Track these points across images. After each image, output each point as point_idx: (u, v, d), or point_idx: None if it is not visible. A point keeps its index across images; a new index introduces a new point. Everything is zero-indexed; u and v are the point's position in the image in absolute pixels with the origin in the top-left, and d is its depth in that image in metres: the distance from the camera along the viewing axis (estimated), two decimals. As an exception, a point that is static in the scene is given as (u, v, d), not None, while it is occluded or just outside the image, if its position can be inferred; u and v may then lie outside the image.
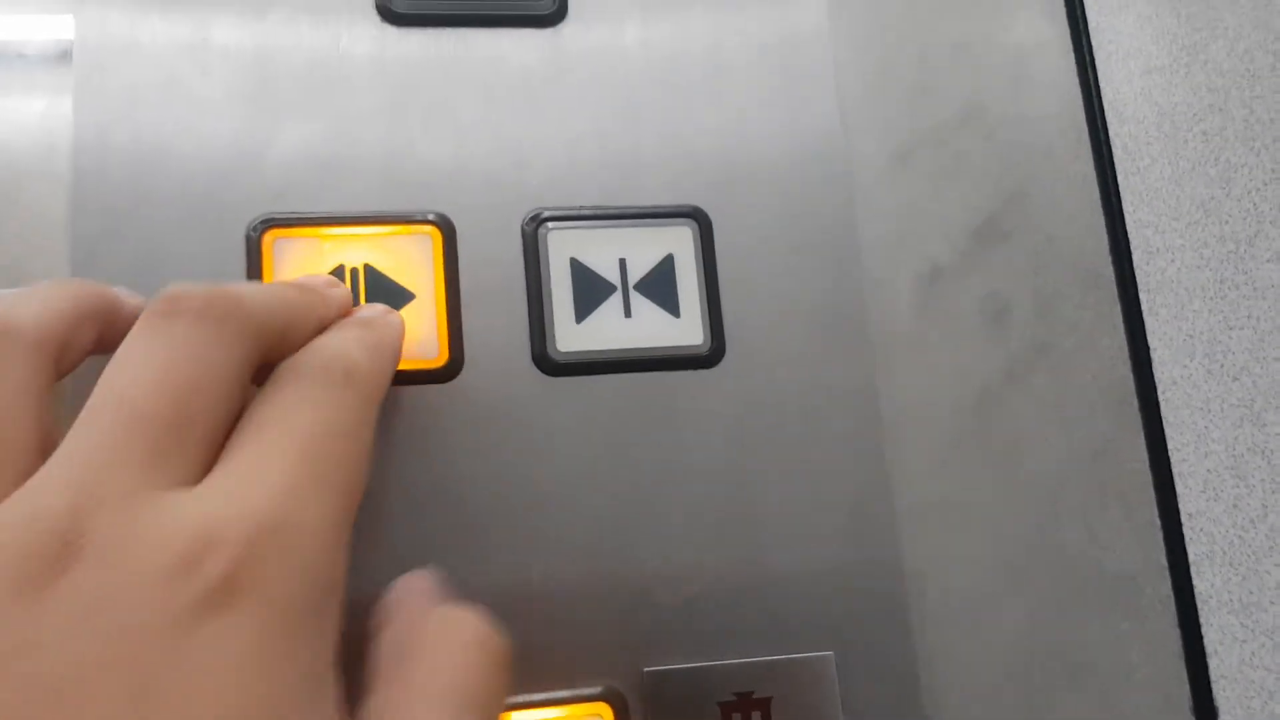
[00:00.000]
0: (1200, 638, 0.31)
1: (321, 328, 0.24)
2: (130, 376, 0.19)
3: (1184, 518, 0.32)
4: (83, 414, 0.19)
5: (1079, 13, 0.36)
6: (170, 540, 0.17)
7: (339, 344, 0.23)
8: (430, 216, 0.31)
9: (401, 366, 0.29)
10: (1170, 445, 0.33)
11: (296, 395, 0.21)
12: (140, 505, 0.18)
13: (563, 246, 0.31)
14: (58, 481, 0.18)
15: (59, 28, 0.31)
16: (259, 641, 0.17)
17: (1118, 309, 0.34)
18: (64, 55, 0.31)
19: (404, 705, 0.19)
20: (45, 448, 0.19)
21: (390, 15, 0.33)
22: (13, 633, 0.16)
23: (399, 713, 0.19)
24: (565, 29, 0.34)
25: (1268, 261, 0.29)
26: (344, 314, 0.27)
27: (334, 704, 0.18)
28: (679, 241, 0.32)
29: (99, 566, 0.17)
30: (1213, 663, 0.31)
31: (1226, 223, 0.30)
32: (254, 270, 0.30)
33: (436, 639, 0.21)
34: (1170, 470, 0.32)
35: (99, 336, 0.23)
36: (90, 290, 0.24)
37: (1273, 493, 0.29)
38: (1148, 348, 0.34)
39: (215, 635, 0.16)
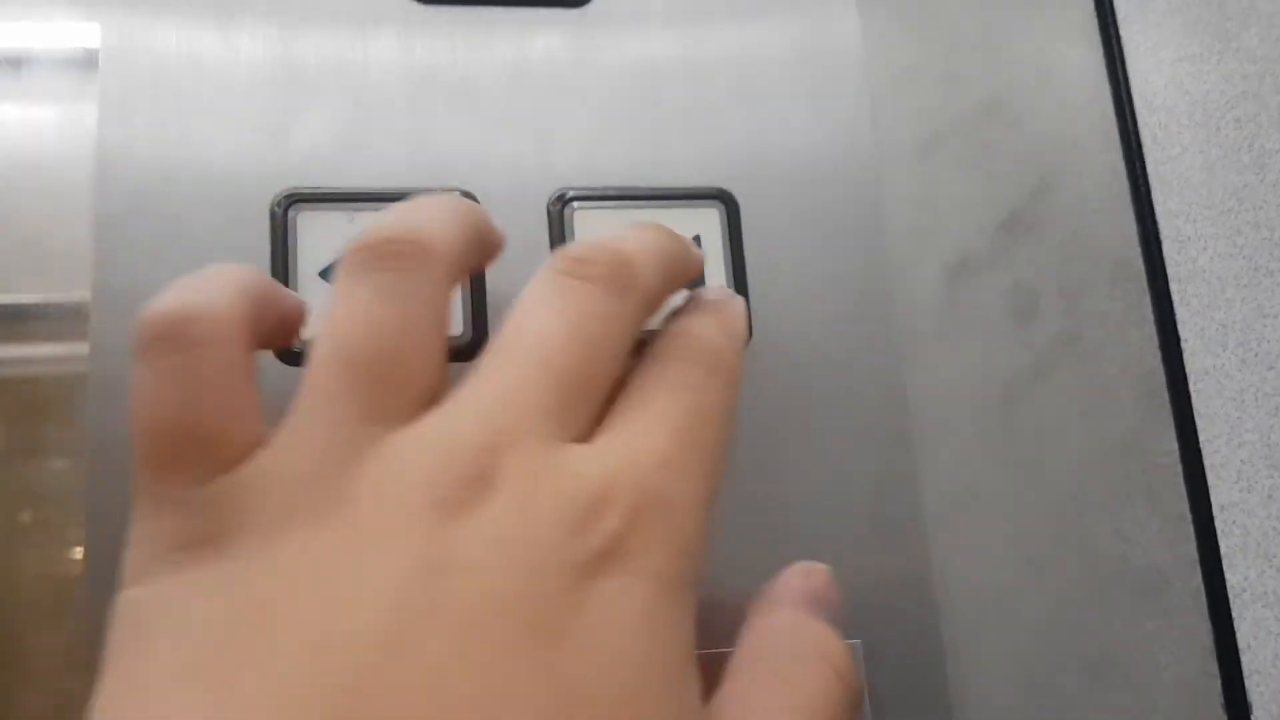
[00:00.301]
0: (1233, 632, 0.31)
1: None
2: (542, 328, 0.20)
3: (1216, 510, 0.31)
4: (492, 353, 0.20)
5: (1107, 3, 0.36)
6: (576, 492, 0.18)
7: (709, 330, 0.23)
8: (455, 196, 0.31)
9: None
10: (1202, 436, 0.32)
11: (679, 377, 0.21)
12: (549, 452, 0.18)
13: (588, 226, 0.31)
14: (474, 414, 0.18)
15: (86, 33, 0.31)
16: (647, 605, 0.17)
17: (1147, 300, 0.34)
18: (93, 61, 0.31)
19: (751, 713, 0.19)
20: (435, 372, 0.20)
21: (418, -6, 0.32)
22: (433, 549, 0.16)
23: (745, 713, 0.19)
24: (592, 10, 0.33)
25: (1303, 248, 0.29)
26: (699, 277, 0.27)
27: (698, 685, 0.18)
28: (706, 224, 0.32)
29: (513, 503, 0.17)
30: (1245, 658, 0.30)
31: (1261, 209, 0.30)
32: (278, 245, 0.29)
33: (802, 655, 0.21)
34: (1201, 462, 0.32)
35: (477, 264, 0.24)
36: (473, 217, 0.24)
37: (1308, 484, 0.29)
38: (1178, 338, 0.33)
39: (611, 592, 0.17)
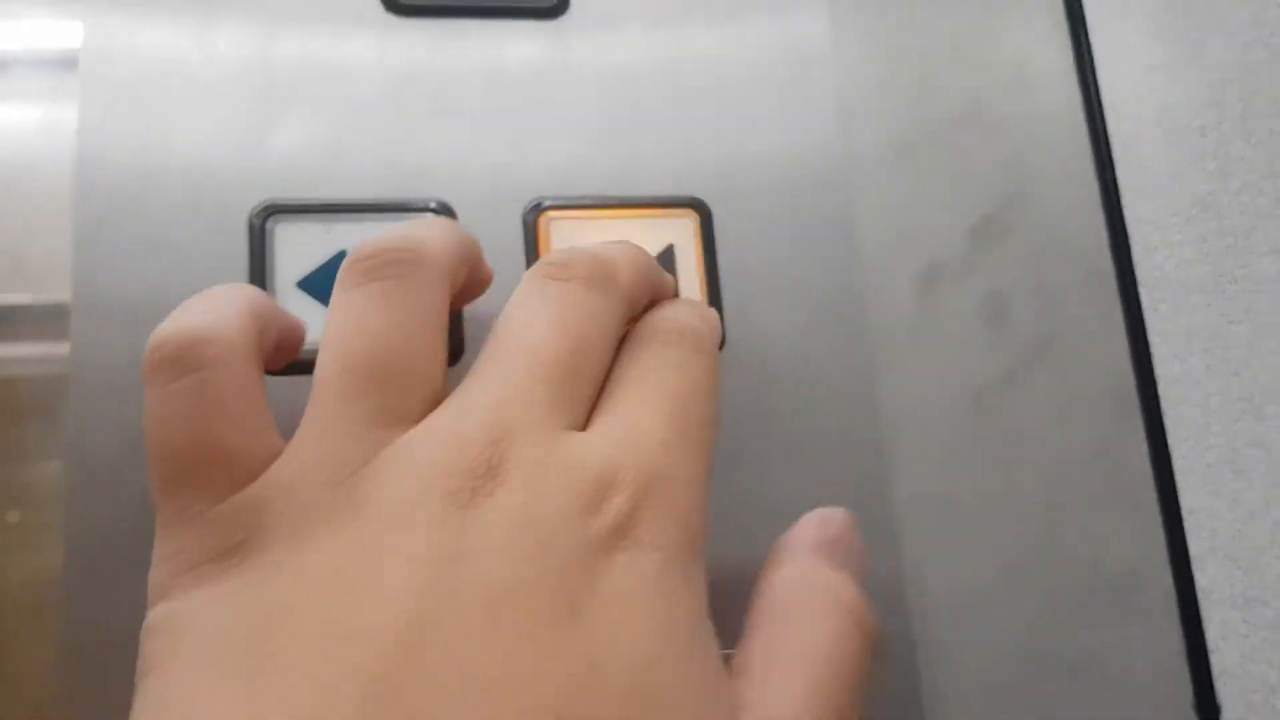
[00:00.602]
0: (1202, 634, 0.31)
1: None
2: (532, 326, 0.21)
3: (1185, 513, 0.32)
4: (486, 355, 0.21)
5: (1078, 11, 0.37)
6: (580, 476, 0.18)
7: (687, 316, 0.24)
8: (432, 204, 0.31)
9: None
10: (1170, 441, 0.32)
11: (663, 358, 0.22)
12: (550, 440, 0.19)
13: (563, 235, 0.31)
14: (477, 410, 0.19)
15: (67, 33, 0.31)
16: (659, 579, 0.18)
17: (1118, 305, 0.34)
18: (74, 61, 0.31)
19: (771, 667, 0.20)
20: (438, 373, 0.21)
21: (393, 5, 0.33)
22: (449, 540, 0.17)
23: (766, 675, 0.19)
24: (567, 21, 0.34)
25: (1265, 255, 0.29)
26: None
27: (716, 646, 0.19)
28: (680, 232, 0.32)
29: (522, 491, 0.18)
30: (1214, 659, 0.31)
31: (1225, 217, 0.30)
32: (257, 256, 0.30)
33: (819, 606, 0.21)
34: (1171, 466, 0.32)
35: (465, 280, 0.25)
36: (467, 237, 0.25)
37: (1273, 486, 0.29)
38: (1148, 344, 0.34)
39: (623, 568, 0.18)
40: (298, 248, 0.30)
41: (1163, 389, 0.33)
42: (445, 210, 0.31)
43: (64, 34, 0.31)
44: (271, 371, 0.27)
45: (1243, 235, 0.30)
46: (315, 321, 0.29)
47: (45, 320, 0.29)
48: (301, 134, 0.31)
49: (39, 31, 0.31)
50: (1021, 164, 0.35)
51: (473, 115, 0.32)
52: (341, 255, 0.30)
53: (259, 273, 0.29)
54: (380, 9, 0.33)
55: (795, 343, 0.32)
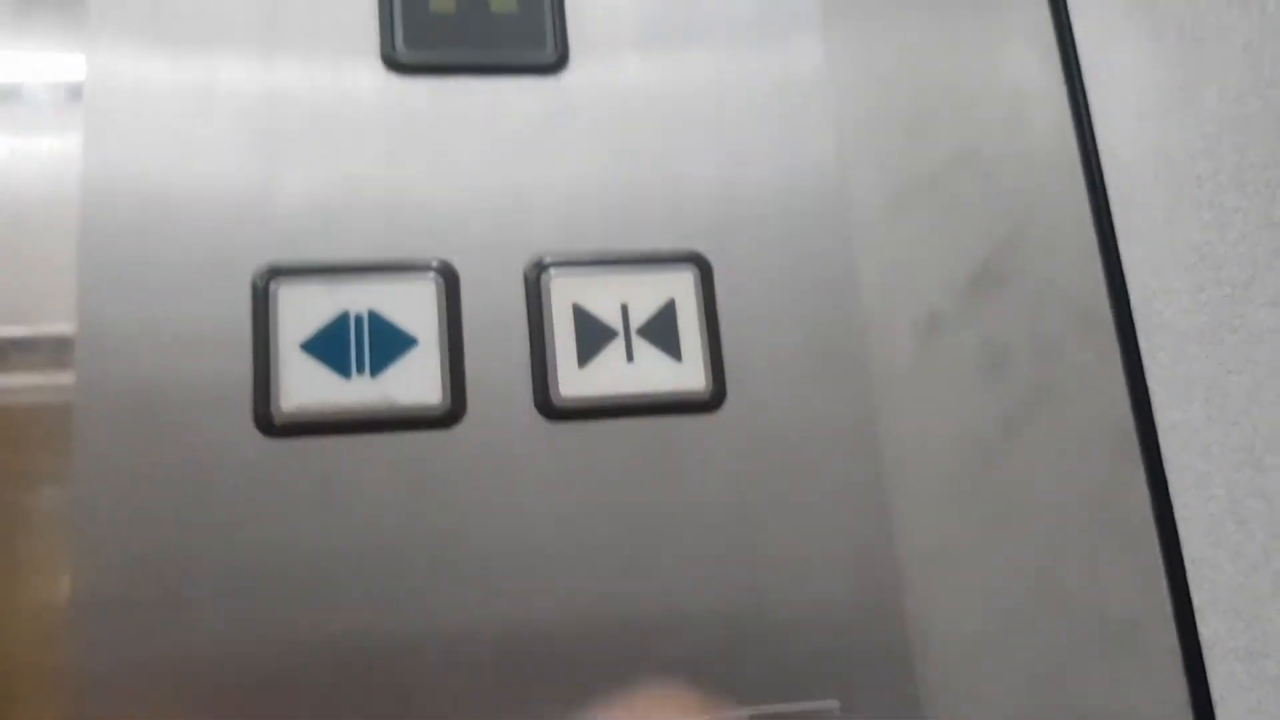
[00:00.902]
0: (1206, 686, 0.31)
1: None
2: None
3: (1188, 563, 0.32)
4: None
5: (1072, 57, 0.37)
6: None
7: None
8: (434, 263, 0.31)
9: (404, 413, 0.30)
10: (1171, 489, 0.33)
11: None
12: None
13: (565, 292, 0.32)
14: None
15: (71, 67, 0.32)
16: None
17: (1117, 352, 0.34)
18: (75, 93, 0.32)
19: None
20: None
21: (394, 64, 0.33)
22: None
23: None
24: (567, 76, 0.34)
25: (1264, 306, 0.29)
26: None
27: None
28: (680, 286, 0.32)
29: None
30: (1219, 711, 0.31)
31: (1222, 267, 0.30)
32: (260, 320, 0.30)
33: None
34: (1173, 515, 0.32)
35: None
36: None
37: (1274, 538, 0.29)
38: (1147, 391, 0.34)
39: None
40: (301, 309, 0.30)
41: (1163, 437, 0.33)
42: (446, 269, 0.31)
43: (68, 66, 0.32)
44: (258, 426, 0.28)
45: (1240, 286, 0.30)
46: (319, 384, 0.29)
47: (50, 351, 0.30)
48: (303, 192, 0.32)
49: (43, 64, 0.32)
50: (1019, 209, 0.36)
51: (473, 171, 0.33)
52: (344, 317, 0.30)
53: (262, 336, 0.30)
54: (381, 67, 0.33)
55: (797, 395, 0.32)
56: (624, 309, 0.32)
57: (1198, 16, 0.32)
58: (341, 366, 0.30)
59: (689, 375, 0.32)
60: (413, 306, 0.31)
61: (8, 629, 0.28)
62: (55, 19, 0.32)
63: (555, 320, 0.31)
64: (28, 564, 0.28)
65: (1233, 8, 0.30)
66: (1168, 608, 0.32)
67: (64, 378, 0.29)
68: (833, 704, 0.30)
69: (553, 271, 0.32)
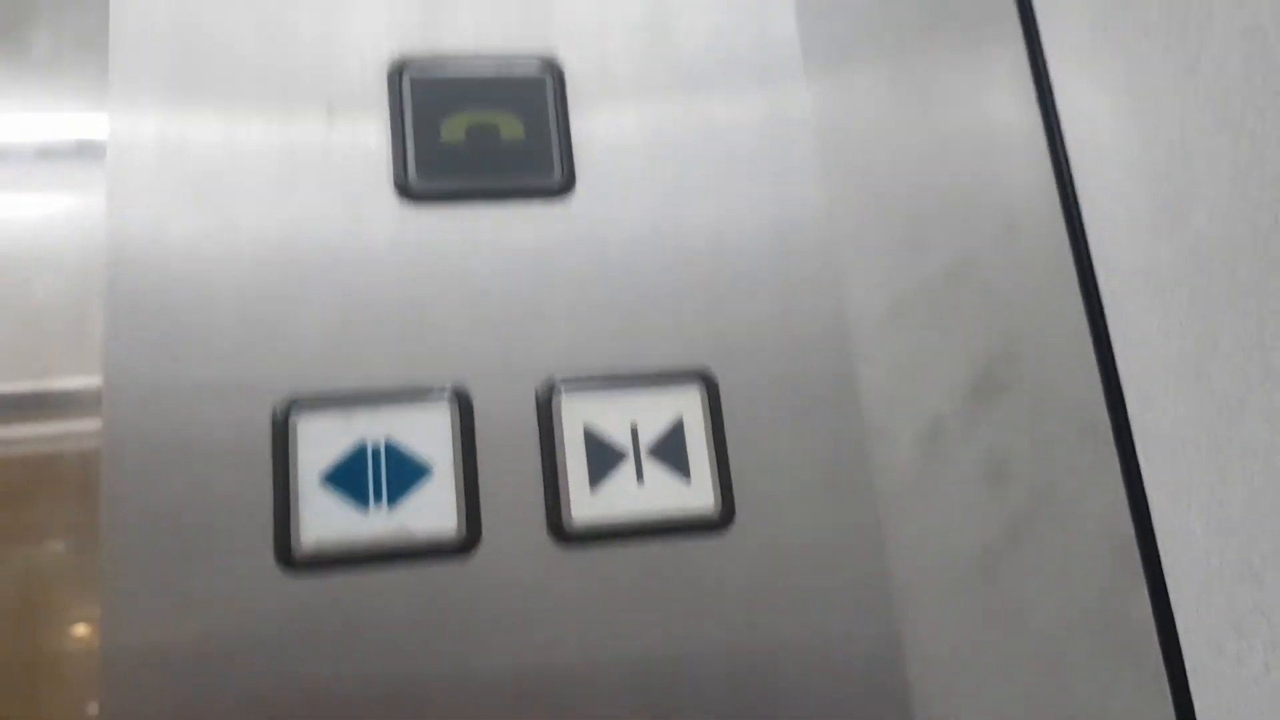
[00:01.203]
0: (1212, 795, 0.31)
1: None
2: None
3: (1190, 673, 0.32)
4: None
5: (1065, 170, 0.38)
6: None
7: None
8: (447, 388, 0.32)
9: (421, 545, 0.30)
10: (1173, 599, 0.33)
11: None
12: None
13: (576, 414, 0.33)
14: None
15: (93, 125, 0.33)
16: None
17: (1115, 460, 0.35)
18: (102, 151, 0.33)
19: None
20: None
21: (407, 192, 0.34)
22: None
23: None
24: (574, 200, 0.35)
25: (1259, 422, 0.30)
26: None
27: None
28: (688, 403, 0.33)
29: None
30: (1224, 820, 0.31)
31: (1215, 381, 0.31)
32: (279, 453, 0.31)
33: None
34: (1175, 625, 0.33)
35: None
36: None
37: (1273, 651, 0.30)
38: (1145, 499, 0.34)
39: None
40: (319, 441, 0.31)
41: (1162, 544, 0.34)
42: (460, 394, 0.32)
43: (90, 126, 0.33)
44: (278, 559, 0.28)
45: (1235, 400, 0.31)
46: (338, 517, 0.30)
47: (78, 404, 0.31)
48: (319, 320, 0.32)
49: (66, 124, 0.33)
50: (1016, 319, 0.36)
51: (484, 297, 0.34)
52: (361, 448, 0.31)
53: (282, 469, 0.30)
54: (394, 196, 0.34)
55: (804, 510, 0.33)
56: (634, 429, 0.33)
57: (1187, 138, 0.33)
58: (360, 498, 0.30)
59: (698, 495, 0.32)
60: (428, 433, 0.32)
61: (38, 677, 0.28)
62: (77, 78, 0.33)
63: (567, 443, 0.32)
64: (56, 611, 0.29)
65: (1221, 132, 0.32)
66: (1172, 715, 0.32)
67: (92, 429, 0.30)
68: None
69: (564, 393, 0.33)
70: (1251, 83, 0.30)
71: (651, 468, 0.32)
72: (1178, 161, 0.33)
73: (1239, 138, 0.31)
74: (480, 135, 0.35)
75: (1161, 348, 0.34)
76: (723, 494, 0.32)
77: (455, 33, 0.35)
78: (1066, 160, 0.38)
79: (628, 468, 0.32)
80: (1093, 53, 0.38)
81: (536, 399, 0.33)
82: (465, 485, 0.31)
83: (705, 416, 0.33)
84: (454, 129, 0.34)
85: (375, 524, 0.30)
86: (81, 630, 0.29)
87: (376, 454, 0.31)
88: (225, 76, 0.33)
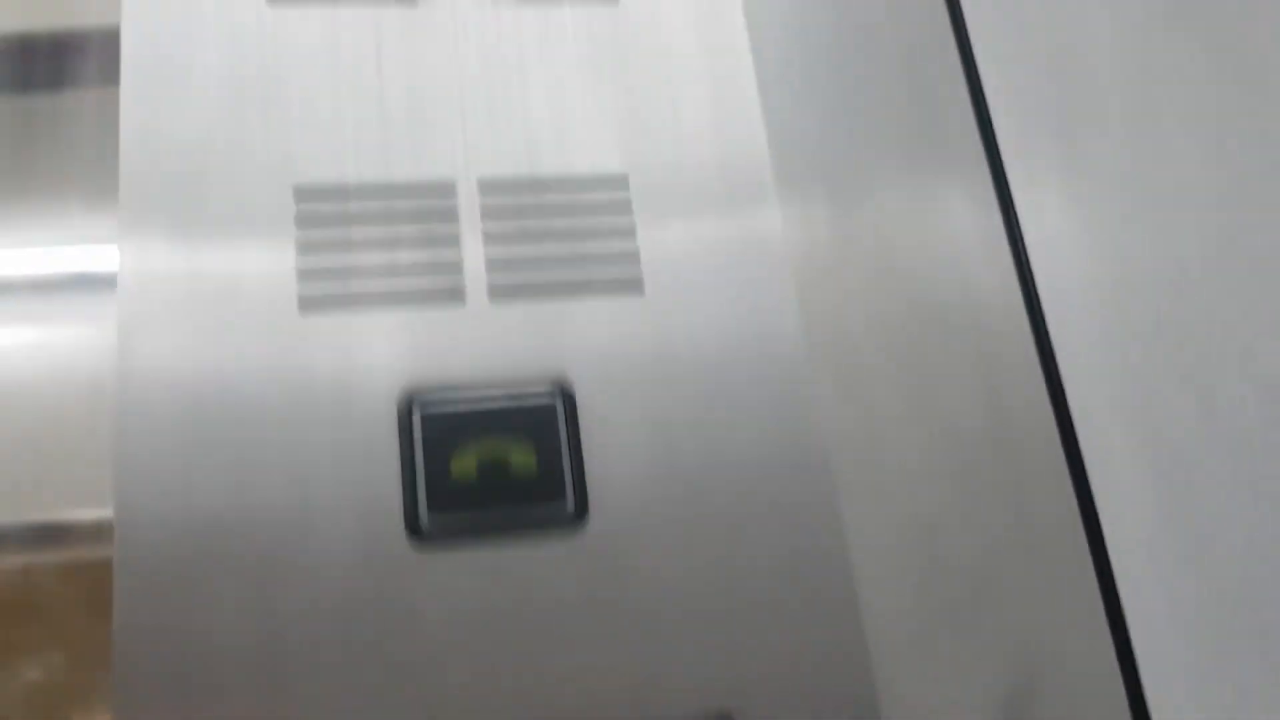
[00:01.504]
0: None
1: None
2: None
3: None
4: None
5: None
6: None
7: None
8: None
9: None
10: None
11: None
12: None
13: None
14: None
15: (104, 257, 0.33)
16: None
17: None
18: (112, 283, 0.32)
19: None
20: None
21: (417, 531, 0.33)
22: None
23: None
24: (588, 530, 0.34)
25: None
26: None
27: None
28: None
29: None
30: None
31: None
32: None
33: None
34: None
35: None
36: None
37: None
38: None
39: None
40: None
41: None
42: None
43: (101, 257, 0.33)
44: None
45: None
46: None
47: (91, 534, 0.31)
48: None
49: (77, 256, 0.33)
50: (1036, 644, 0.35)
51: (499, 644, 0.32)
52: None
53: None
54: (405, 538, 0.33)
55: None
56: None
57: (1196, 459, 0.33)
58: None
59: None
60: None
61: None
62: (87, 212, 0.34)
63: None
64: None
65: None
66: None
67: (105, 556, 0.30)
68: None
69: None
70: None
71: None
72: (1198, 499, 0.33)
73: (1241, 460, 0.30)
74: (491, 471, 0.33)
75: (1197, 691, 0.33)
76: None
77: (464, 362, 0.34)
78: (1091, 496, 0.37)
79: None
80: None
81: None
82: None
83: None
84: (465, 465, 0.33)
85: None
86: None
87: None
88: (237, 419, 0.32)
